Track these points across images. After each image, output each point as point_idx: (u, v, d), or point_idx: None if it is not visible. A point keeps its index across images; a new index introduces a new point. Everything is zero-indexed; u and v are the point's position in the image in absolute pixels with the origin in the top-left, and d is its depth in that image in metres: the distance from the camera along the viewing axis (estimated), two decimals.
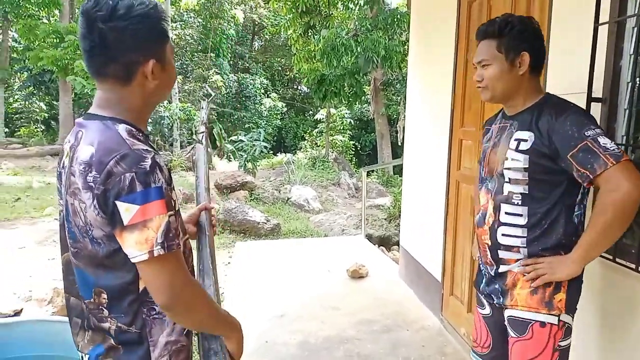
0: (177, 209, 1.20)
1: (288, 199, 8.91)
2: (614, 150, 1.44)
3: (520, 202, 1.64)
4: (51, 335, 1.72)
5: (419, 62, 4.38)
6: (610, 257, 1.86)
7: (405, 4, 13.89)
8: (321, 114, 16.41)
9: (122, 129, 1.15)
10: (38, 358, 1.68)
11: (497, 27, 1.66)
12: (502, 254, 1.70)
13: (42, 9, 15.44)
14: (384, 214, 8.12)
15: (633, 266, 1.77)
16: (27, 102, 19.26)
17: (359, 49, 11.30)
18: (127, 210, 1.07)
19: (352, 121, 18.74)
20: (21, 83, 19.70)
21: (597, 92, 1.99)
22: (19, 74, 19.09)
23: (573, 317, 1.66)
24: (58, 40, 14.51)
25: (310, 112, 22.21)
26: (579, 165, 1.48)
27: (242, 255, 5.62)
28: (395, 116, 16.32)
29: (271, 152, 17.56)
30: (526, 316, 1.64)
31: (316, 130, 18.13)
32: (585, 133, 1.47)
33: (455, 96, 3.46)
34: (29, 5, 15.04)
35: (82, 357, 1.26)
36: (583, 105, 1.97)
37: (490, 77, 1.68)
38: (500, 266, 1.71)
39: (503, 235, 1.69)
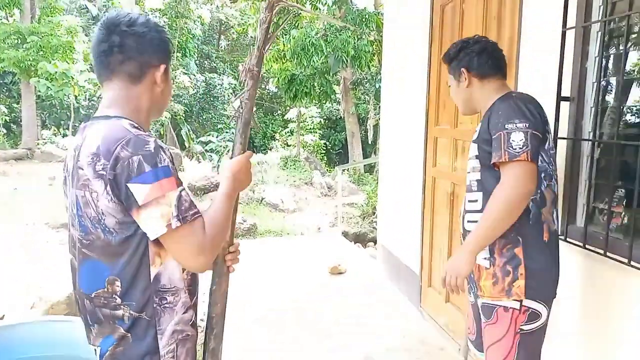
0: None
1: (262, 199, 8.96)
2: (515, 148, 1.59)
3: (476, 189, 1.82)
4: (53, 335, 1.75)
5: (393, 62, 4.51)
6: (602, 252, 1.92)
7: (374, 4, 14.09)
8: (291, 114, 16.47)
9: (125, 122, 1.25)
10: (41, 358, 1.71)
11: (445, 56, 1.99)
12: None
13: (2, 9, 15.00)
14: (358, 211, 8.26)
15: (626, 260, 1.82)
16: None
17: (328, 48, 11.43)
18: (139, 191, 1.16)
19: (322, 120, 18.86)
20: None
21: (566, 92, 2.15)
22: None
23: (545, 305, 1.74)
24: (19, 41, 14.12)
25: (279, 111, 22.22)
26: (492, 150, 1.67)
27: None
28: (364, 115, 16.53)
29: None
30: (492, 302, 1.77)
31: (286, 130, 18.17)
32: (506, 125, 1.63)
33: (430, 95, 3.60)
34: None
35: (94, 350, 1.32)
36: (553, 104, 2.13)
37: (452, 95, 2.02)
38: None
39: (468, 222, 1.85)
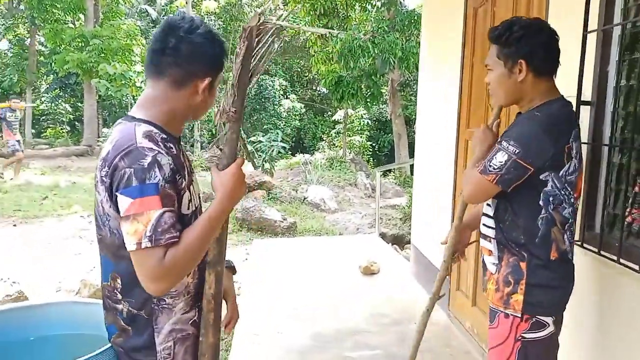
0: (192, 209, 1.35)
1: (305, 198, 9.09)
2: (491, 167, 1.61)
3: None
4: (82, 315, 1.87)
5: (430, 65, 4.51)
6: (615, 259, 1.93)
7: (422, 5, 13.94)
8: (339, 115, 16.55)
9: (140, 130, 1.26)
10: (70, 336, 1.84)
11: (497, 34, 1.68)
12: (482, 242, 1.83)
13: (67, 13, 15.90)
14: (399, 213, 8.24)
15: (637, 267, 1.79)
16: (53, 104, 19.82)
17: (376, 50, 11.42)
18: (123, 202, 1.19)
19: (370, 122, 18.84)
20: (48, 86, 20.29)
21: (587, 96, 2.12)
22: (45, 77, 19.64)
23: (551, 317, 1.68)
24: (83, 44, 14.93)
25: (329, 112, 22.34)
26: None
27: (259, 252, 5.81)
28: (412, 117, 16.38)
29: (289, 152, 17.78)
30: (494, 307, 1.76)
31: (334, 131, 18.27)
32: (502, 141, 1.61)
33: (462, 98, 3.59)
34: (56, 10, 15.50)
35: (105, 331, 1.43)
36: (573, 108, 2.10)
37: (492, 82, 1.72)
38: (483, 256, 1.84)
39: (483, 225, 1.83)
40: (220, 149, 1.39)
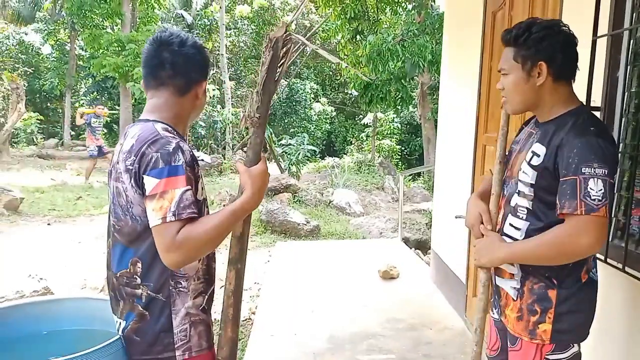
0: (204, 196, 1.47)
1: (330, 201, 9.12)
2: (594, 200, 1.38)
3: (524, 217, 1.61)
4: (93, 311, 1.96)
5: (450, 70, 4.49)
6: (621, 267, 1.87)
7: None
8: (368, 119, 16.52)
9: (159, 125, 1.43)
10: (82, 331, 1.92)
11: (514, 35, 1.57)
12: (503, 265, 1.67)
13: (106, 19, 16.38)
14: (425, 218, 8.18)
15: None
16: (91, 107, 20.40)
17: (406, 53, 11.35)
18: (150, 182, 1.33)
19: (400, 125, 18.72)
20: (86, 89, 20.94)
21: (596, 102, 2.09)
22: (84, 80, 20.28)
23: (579, 341, 1.60)
24: (120, 49, 15.35)
25: (360, 116, 22.34)
26: (558, 195, 1.46)
27: (281, 254, 5.87)
28: None
29: (319, 156, 17.84)
30: (517, 335, 1.64)
31: (363, 134, 18.25)
32: (582, 169, 1.40)
33: (480, 103, 3.57)
34: (94, 15, 16.00)
35: (119, 323, 1.51)
36: None
37: (508, 86, 1.61)
38: (497, 278, 1.71)
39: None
40: (245, 152, 1.51)
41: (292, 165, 10.77)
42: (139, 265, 1.43)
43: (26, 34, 21.83)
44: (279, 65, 1.43)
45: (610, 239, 2.03)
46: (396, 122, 17.96)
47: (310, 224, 7.13)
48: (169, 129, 1.44)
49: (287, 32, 1.40)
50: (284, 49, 1.42)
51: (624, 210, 2.02)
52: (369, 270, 5.07)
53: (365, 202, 9.66)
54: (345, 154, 18.27)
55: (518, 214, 1.62)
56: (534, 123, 1.71)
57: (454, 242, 4.09)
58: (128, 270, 1.45)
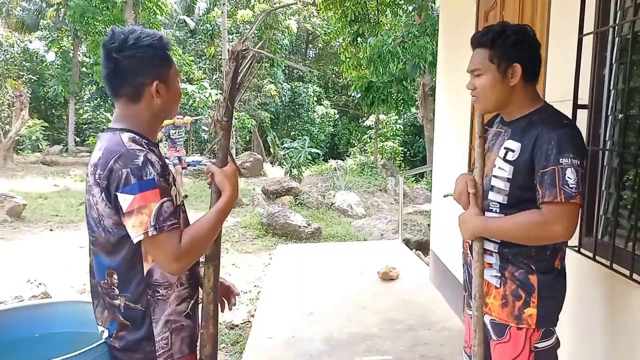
0: (178, 203, 1.45)
1: (332, 204, 9.13)
2: (572, 188, 1.47)
3: (497, 210, 1.67)
4: (86, 314, 1.95)
5: (446, 70, 4.50)
6: (608, 264, 1.87)
7: None
8: (370, 121, 16.54)
9: (125, 136, 1.39)
10: (74, 334, 1.92)
11: (490, 37, 1.63)
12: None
13: (108, 26, 16.50)
14: (427, 219, 8.17)
15: (628, 273, 1.77)
16: (95, 113, 20.54)
17: (407, 55, 11.37)
18: (125, 200, 1.31)
19: (403, 127, 18.73)
20: (90, 95, 21.05)
21: (583, 99, 2.09)
22: (88, 87, 20.40)
23: (556, 325, 1.66)
24: None
25: (363, 118, 22.38)
26: (539, 185, 1.53)
27: (282, 257, 5.88)
28: None
29: (323, 158, 17.87)
30: (502, 322, 1.67)
31: (366, 136, 18.27)
32: (560, 159, 1.48)
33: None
34: (97, 23, 16.12)
35: (102, 330, 1.51)
36: (569, 112, 2.08)
37: (482, 87, 1.66)
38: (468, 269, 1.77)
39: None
40: (215, 154, 1.55)
41: (293, 168, 10.78)
42: (115, 276, 1.43)
43: (30, 41, 22.03)
44: (241, 74, 1.53)
45: (600, 236, 2.04)
46: (399, 124, 17.97)
47: (312, 227, 7.14)
48: (136, 138, 1.41)
49: (246, 46, 1.50)
50: (244, 61, 1.53)
51: (613, 208, 2.02)
52: (369, 271, 5.07)
53: (367, 204, 9.66)
54: (348, 156, 18.30)
55: (491, 208, 1.68)
56: (499, 122, 1.79)
57: (453, 242, 4.08)
58: (106, 281, 1.45)
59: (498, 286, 1.67)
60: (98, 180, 1.35)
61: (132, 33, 1.40)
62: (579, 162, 1.48)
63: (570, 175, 1.47)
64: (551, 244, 1.60)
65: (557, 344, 1.68)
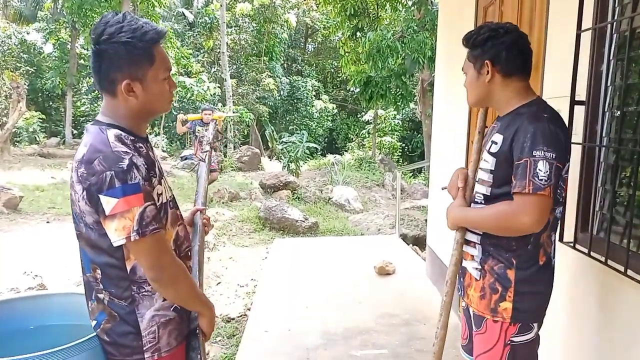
0: (163, 201, 1.44)
1: (329, 198, 9.13)
2: (541, 180, 1.49)
3: (482, 202, 1.72)
4: (81, 306, 1.95)
5: (444, 65, 4.49)
6: (603, 260, 1.88)
7: None
8: (369, 116, 16.52)
9: (111, 133, 1.37)
10: (69, 326, 1.91)
11: (465, 38, 1.76)
12: (464, 247, 1.80)
13: None
14: (424, 214, 8.17)
15: (622, 269, 1.78)
16: (92, 106, 20.46)
17: (406, 50, 11.34)
18: (108, 203, 1.29)
19: (402, 122, 18.72)
20: (87, 87, 20.96)
21: (581, 95, 2.09)
22: (85, 79, 20.32)
23: (537, 322, 1.69)
24: None
25: (362, 113, 22.36)
26: (513, 177, 1.57)
27: (278, 251, 5.89)
28: None
29: (320, 153, 17.86)
30: (480, 314, 1.73)
31: (364, 131, 18.26)
32: (534, 152, 1.52)
33: None
34: (95, 15, 16.04)
35: (92, 323, 1.51)
36: (567, 108, 2.08)
37: (467, 84, 1.79)
38: (463, 261, 1.81)
39: (468, 231, 1.78)
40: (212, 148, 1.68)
41: (291, 162, 10.77)
42: (98, 271, 1.42)
43: (28, 33, 21.87)
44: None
45: (595, 232, 2.05)
46: (397, 119, 17.96)
47: (309, 221, 7.14)
48: (122, 136, 1.38)
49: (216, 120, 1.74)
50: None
51: (608, 204, 2.02)
52: (365, 266, 5.08)
53: (364, 199, 9.67)
54: (346, 151, 18.29)
55: (476, 199, 1.76)
56: (496, 118, 1.83)
57: (449, 238, 4.09)
58: (92, 274, 1.45)
59: (478, 278, 1.73)
60: (80, 178, 1.33)
61: (112, 26, 1.34)
62: (553, 155, 1.51)
63: (542, 167, 1.50)
64: (533, 238, 1.62)
65: (536, 339, 1.70)
